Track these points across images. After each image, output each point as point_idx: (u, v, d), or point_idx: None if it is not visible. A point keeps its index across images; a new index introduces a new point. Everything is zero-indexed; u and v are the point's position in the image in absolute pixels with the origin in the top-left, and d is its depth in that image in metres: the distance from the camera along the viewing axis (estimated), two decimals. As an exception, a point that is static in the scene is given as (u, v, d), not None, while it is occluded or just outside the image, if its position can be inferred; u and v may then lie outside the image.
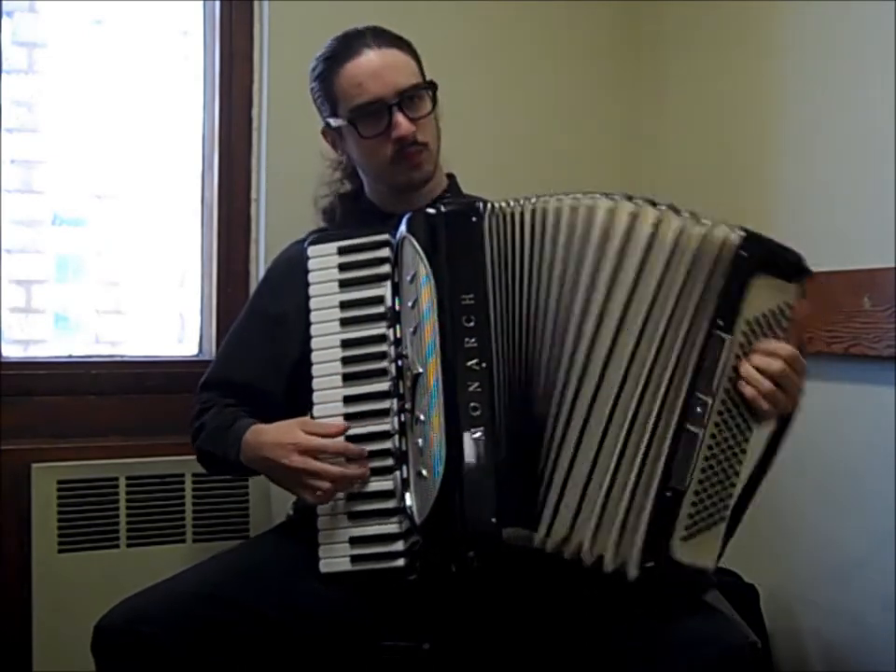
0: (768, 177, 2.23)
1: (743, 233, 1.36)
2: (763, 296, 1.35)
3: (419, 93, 1.63)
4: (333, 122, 1.67)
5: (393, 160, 1.63)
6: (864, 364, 1.96)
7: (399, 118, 1.60)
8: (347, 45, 1.64)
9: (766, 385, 1.33)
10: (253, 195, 2.29)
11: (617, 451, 1.36)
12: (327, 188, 1.79)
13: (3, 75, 2.10)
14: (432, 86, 1.65)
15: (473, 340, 1.40)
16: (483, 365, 1.39)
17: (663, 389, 1.35)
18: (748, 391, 1.34)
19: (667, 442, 1.34)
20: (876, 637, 1.95)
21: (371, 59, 1.61)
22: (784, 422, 1.43)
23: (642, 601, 1.42)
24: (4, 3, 2.11)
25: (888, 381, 1.92)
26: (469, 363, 1.39)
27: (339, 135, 1.70)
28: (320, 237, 1.62)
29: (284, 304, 1.67)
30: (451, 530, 1.37)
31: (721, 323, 1.34)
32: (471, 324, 1.40)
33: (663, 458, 1.34)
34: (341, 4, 2.22)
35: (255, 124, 2.29)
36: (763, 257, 1.36)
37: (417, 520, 1.41)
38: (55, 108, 2.24)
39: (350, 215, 1.74)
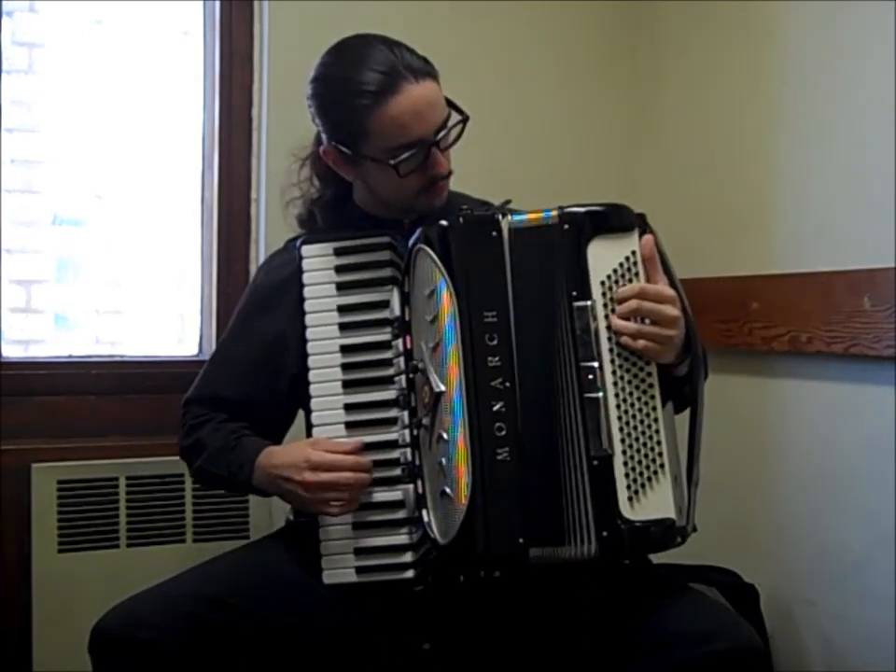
0: (768, 177, 2.22)
1: (558, 212, 1.42)
2: (605, 255, 1.41)
3: (453, 122, 1.57)
4: (350, 153, 1.56)
5: (419, 191, 1.58)
6: (864, 364, 1.96)
7: (438, 156, 1.55)
8: (370, 77, 1.50)
9: (631, 326, 1.38)
10: (253, 195, 2.29)
11: (562, 444, 1.39)
12: (297, 189, 1.70)
13: (3, 75, 2.10)
14: (465, 120, 1.57)
15: (497, 359, 1.40)
16: (507, 384, 1.40)
17: (560, 371, 1.39)
18: (622, 340, 1.38)
19: (578, 417, 1.38)
20: (876, 637, 1.95)
21: (413, 97, 1.50)
22: (692, 357, 1.46)
23: (648, 597, 1.43)
24: (4, 3, 2.11)
25: (888, 381, 1.92)
26: (493, 382, 1.40)
27: (350, 160, 1.59)
28: (314, 237, 1.59)
29: (276, 319, 1.62)
30: (477, 551, 1.38)
31: (575, 294, 1.39)
32: (494, 342, 1.41)
33: (581, 432, 1.37)
34: (341, 4, 2.22)
35: (255, 124, 2.29)
36: (586, 223, 1.41)
37: (440, 539, 1.41)
38: (55, 108, 2.24)
39: (334, 222, 1.67)
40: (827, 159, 2.08)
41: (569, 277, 1.39)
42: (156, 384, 2.19)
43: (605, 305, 1.39)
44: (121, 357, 2.27)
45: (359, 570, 1.47)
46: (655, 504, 1.36)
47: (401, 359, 1.49)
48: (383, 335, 1.52)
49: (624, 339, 1.38)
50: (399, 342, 1.50)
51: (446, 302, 1.42)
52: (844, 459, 2.03)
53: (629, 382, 1.38)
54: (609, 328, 1.38)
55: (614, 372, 1.38)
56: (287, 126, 2.23)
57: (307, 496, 1.48)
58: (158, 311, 2.35)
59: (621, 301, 1.38)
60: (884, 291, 1.90)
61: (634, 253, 1.40)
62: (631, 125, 2.59)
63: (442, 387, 1.41)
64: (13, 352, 2.19)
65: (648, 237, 1.41)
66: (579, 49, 2.55)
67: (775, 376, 2.18)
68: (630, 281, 1.40)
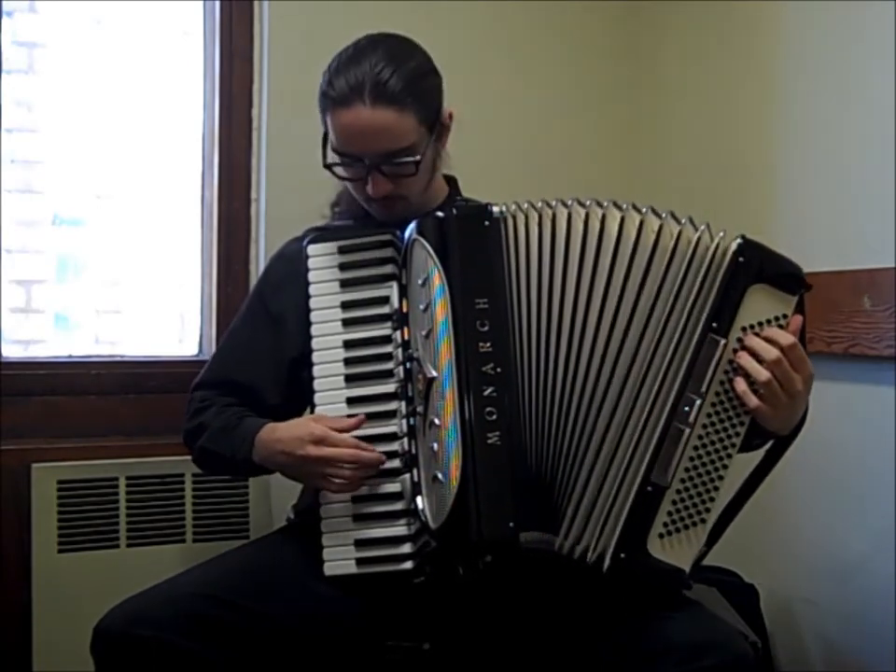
0: (768, 177, 2.23)
1: (741, 240, 1.39)
2: (761, 304, 1.38)
3: (404, 159, 1.54)
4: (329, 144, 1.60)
5: (366, 201, 1.61)
6: (864, 364, 1.96)
7: (377, 179, 1.54)
8: (339, 84, 1.52)
9: (764, 374, 1.35)
10: (253, 195, 2.29)
11: (613, 448, 1.39)
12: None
13: (3, 75, 2.10)
14: (417, 163, 1.54)
15: (488, 344, 1.41)
16: (499, 370, 1.40)
17: (655, 388, 1.39)
18: (739, 386, 1.36)
19: (654, 439, 1.37)
20: (876, 637, 1.95)
21: (359, 118, 1.51)
22: (786, 438, 1.46)
23: (642, 604, 1.42)
24: (4, 3, 2.11)
25: (888, 381, 1.92)
26: (484, 368, 1.40)
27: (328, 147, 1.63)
28: (319, 236, 1.62)
29: (282, 303, 1.66)
30: (468, 535, 1.38)
31: (715, 326, 1.37)
32: (485, 328, 1.42)
33: (648, 454, 1.37)
34: (340, 4, 2.22)
35: (255, 124, 2.29)
36: (762, 265, 1.39)
37: (432, 524, 1.41)
38: (55, 108, 2.24)
39: (351, 211, 1.71)
40: (827, 158, 2.08)
41: (717, 307, 1.37)
42: (156, 384, 2.19)
43: (734, 350, 1.37)
44: (121, 357, 2.27)
45: (359, 562, 1.48)
46: (680, 551, 1.37)
47: (400, 351, 1.51)
48: (384, 330, 1.53)
49: (742, 386, 1.35)
50: (398, 334, 1.51)
51: (438, 289, 1.43)
52: (844, 459, 2.03)
53: (717, 432, 1.37)
54: (726, 372, 1.37)
55: (709, 415, 1.37)
56: (287, 126, 2.24)
57: (307, 469, 1.48)
58: (158, 311, 2.35)
59: (767, 340, 1.36)
60: (884, 291, 1.91)
61: (784, 316, 1.39)
62: (631, 125, 2.59)
63: (434, 373, 1.42)
64: (13, 352, 2.19)
65: (798, 317, 1.40)
66: (579, 46, 2.55)
67: (775, 376, 2.18)
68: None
